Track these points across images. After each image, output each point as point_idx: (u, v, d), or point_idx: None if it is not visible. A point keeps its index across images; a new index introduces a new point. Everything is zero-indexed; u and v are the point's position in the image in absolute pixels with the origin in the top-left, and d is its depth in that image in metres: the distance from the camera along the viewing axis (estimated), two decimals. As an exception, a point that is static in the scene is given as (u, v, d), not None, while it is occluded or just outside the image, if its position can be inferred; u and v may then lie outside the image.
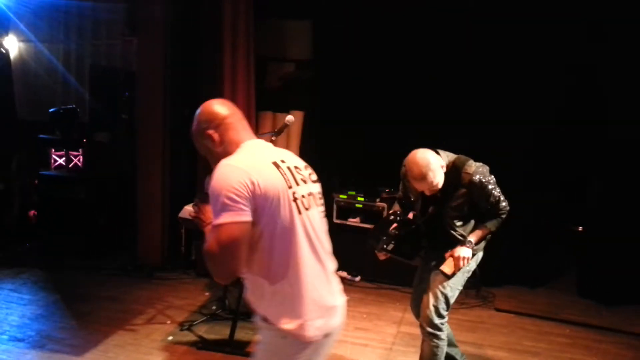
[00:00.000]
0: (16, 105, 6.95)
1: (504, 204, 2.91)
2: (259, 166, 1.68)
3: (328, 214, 5.08)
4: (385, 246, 2.92)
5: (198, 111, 1.86)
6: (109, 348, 3.62)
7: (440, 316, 2.91)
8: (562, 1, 4.59)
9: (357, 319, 4.23)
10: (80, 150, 5.99)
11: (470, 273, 3.02)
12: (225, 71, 4.86)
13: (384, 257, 3.03)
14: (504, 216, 2.94)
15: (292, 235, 1.71)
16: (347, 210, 5.10)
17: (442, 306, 2.90)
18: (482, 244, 3.01)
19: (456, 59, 4.88)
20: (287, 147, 5.73)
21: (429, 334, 2.92)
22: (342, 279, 4.84)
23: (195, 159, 5.13)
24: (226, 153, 1.77)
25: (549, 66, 4.74)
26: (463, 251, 2.89)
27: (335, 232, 5.36)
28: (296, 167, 1.81)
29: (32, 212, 5.85)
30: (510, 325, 4.21)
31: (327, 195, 5.61)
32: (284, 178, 1.71)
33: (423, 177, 2.73)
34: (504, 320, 4.31)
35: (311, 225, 1.77)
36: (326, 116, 5.48)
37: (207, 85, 5.01)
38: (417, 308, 3.09)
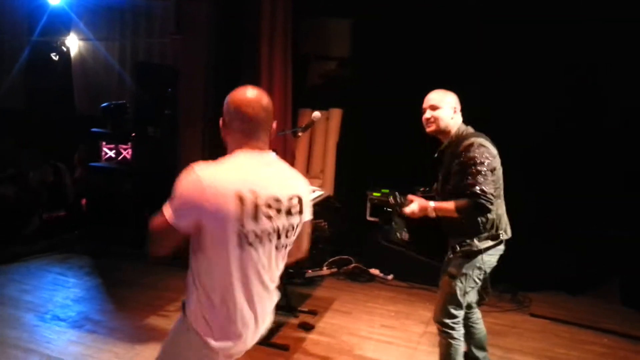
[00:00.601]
0: (75, 101, 7.37)
1: (481, 187, 2.60)
2: (223, 192, 1.71)
3: (361, 212, 5.19)
4: (399, 235, 2.86)
5: (234, 92, 1.89)
6: (141, 331, 3.79)
7: (450, 316, 2.86)
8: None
9: (384, 316, 4.23)
10: (129, 143, 6.28)
11: (481, 272, 2.84)
12: (262, 69, 4.98)
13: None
14: (478, 200, 2.59)
15: (226, 262, 1.77)
16: (380, 208, 5.09)
17: (451, 305, 2.85)
18: (499, 248, 2.86)
19: (494, 59, 4.79)
20: (325, 143, 5.80)
21: (442, 332, 2.90)
22: (375, 277, 4.96)
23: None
24: (231, 149, 1.87)
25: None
26: (415, 205, 2.80)
27: (368, 230, 5.39)
28: (268, 201, 1.78)
29: (83, 201, 6.17)
30: (543, 331, 4.09)
31: (361, 193, 5.68)
32: (237, 212, 1.72)
33: (437, 92, 2.85)
34: (537, 326, 4.18)
35: (251, 260, 1.79)
36: (364, 114, 5.49)
37: (246, 82, 5.11)
38: None
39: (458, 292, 2.83)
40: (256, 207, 1.76)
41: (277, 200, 1.81)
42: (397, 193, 2.99)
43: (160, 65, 6.50)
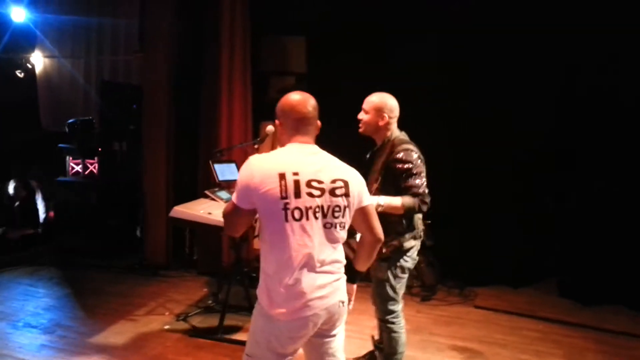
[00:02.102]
0: (40, 117, 7.48)
1: (422, 189, 2.87)
2: (268, 173, 2.02)
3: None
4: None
5: (286, 95, 2.21)
6: (111, 335, 4.01)
7: (389, 312, 3.09)
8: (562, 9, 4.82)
9: (341, 313, 4.53)
10: (95, 158, 6.46)
11: (406, 269, 3.06)
12: (222, 84, 5.25)
13: None
14: (422, 201, 2.87)
15: (277, 237, 2.05)
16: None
17: (388, 303, 3.08)
18: (417, 245, 3.07)
19: (440, 74, 5.17)
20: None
21: (385, 328, 3.15)
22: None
23: (197, 167, 5.53)
24: (280, 141, 2.22)
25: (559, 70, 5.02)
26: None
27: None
28: (310, 181, 2.04)
29: (50, 214, 6.32)
30: (485, 321, 4.45)
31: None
32: (280, 189, 2.00)
33: (373, 97, 3.04)
34: (480, 317, 4.55)
35: (298, 234, 2.03)
36: (323, 126, 5.79)
37: (207, 99, 5.41)
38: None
39: (390, 292, 3.06)
40: (298, 184, 2.02)
41: (320, 182, 2.06)
42: None
43: (124, 82, 6.70)
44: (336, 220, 2.10)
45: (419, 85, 5.02)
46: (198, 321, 4.26)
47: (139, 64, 6.07)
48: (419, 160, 2.99)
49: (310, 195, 2.04)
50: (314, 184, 2.05)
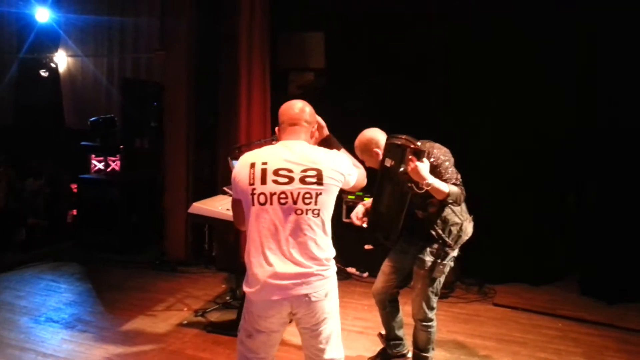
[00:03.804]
0: (64, 115, 7.63)
1: (457, 177, 2.96)
2: (243, 164, 2.32)
3: (337, 214, 5.48)
4: (401, 166, 2.81)
5: (284, 104, 2.45)
6: (129, 330, 4.07)
7: (432, 308, 3.18)
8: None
9: (358, 310, 4.54)
10: (117, 155, 6.57)
11: (449, 262, 3.14)
12: (241, 82, 5.27)
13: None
14: (463, 190, 2.95)
15: (250, 220, 2.29)
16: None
17: (432, 301, 3.16)
18: (458, 239, 3.12)
19: (458, 67, 5.12)
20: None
21: (424, 326, 3.20)
22: (352, 275, 5.27)
23: (217, 164, 5.57)
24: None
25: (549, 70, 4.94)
26: (422, 165, 2.79)
27: (344, 231, 5.73)
28: (278, 170, 2.23)
29: (73, 212, 6.44)
30: (504, 319, 4.40)
31: (337, 196, 5.96)
32: (249, 177, 2.26)
33: (358, 145, 3.15)
34: (499, 314, 4.49)
35: (265, 218, 2.23)
36: (339, 123, 5.79)
37: (225, 96, 5.44)
38: (382, 295, 3.40)
39: (438, 286, 3.17)
40: (264, 172, 2.24)
41: (289, 170, 2.24)
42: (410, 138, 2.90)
43: (146, 80, 6.79)
44: (307, 207, 2.22)
45: (438, 77, 5.08)
46: (216, 317, 4.30)
47: (160, 61, 6.14)
48: (448, 154, 3.03)
49: (276, 182, 2.23)
50: (282, 172, 2.24)
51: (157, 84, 6.23)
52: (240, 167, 2.31)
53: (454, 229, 3.08)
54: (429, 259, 3.10)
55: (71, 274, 5.29)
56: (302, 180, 2.22)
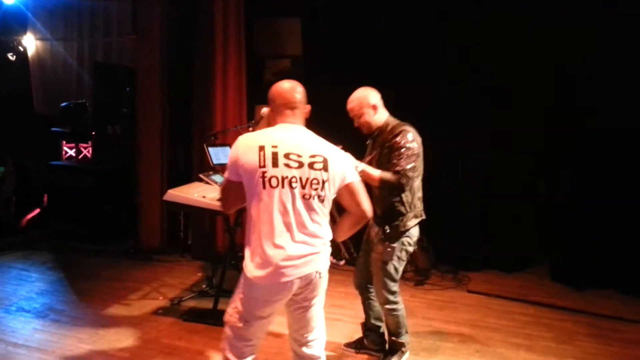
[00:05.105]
0: (34, 100, 7.42)
1: (403, 168, 2.95)
2: (248, 146, 2.24)
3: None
4: None
5: (275, 84, 2.41)
6: (103, 319, 4.02)
7: (392, 292, 3.21)
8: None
9: (335, 297, 4.55)
10: (89, 142, 6.43)
11: (406, 251, 3.19)
12: (216, 67, 5.21)
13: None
14: (400, 180, 2.95)
15: (259, 202, 2.23)
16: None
17: (390, 284, 3.19)
18: (416, 229, 3.21)
19: (436, 57, 5.14)
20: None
21: (388, 310, 3.25)
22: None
23: (191, 150, 5.50)
24: (272, 124, 2.39)
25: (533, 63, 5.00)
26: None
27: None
28: (288, 153, 2.22)
29: (44, 198, 6.29)
30: (478, 305, 4.47)
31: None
32: (259, 158, 2.20)
33: (353, 100, 3.16)
34: (473, 301, 4.57)
35: (275, 201, 2.20)
36: (318, 109, 5.77)
37: (201, 82, 5.36)
38: (360, 286, 3.46)
39: (393, 272, 3.18)
40: (276, 155, 2.21)
41: (299, 155, 2.23)
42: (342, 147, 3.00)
43: (118, 64, 6.64)
44: (314, 192, 2.24)
45: (415, 65, 5.07)
46: (192, 305, 4.27)
47: (132, 46, 6.01)
48: (414, 143, 3.05)
49: (287, 166, 2.21)
50: (293, 156, 2.23)
51: (130, 69, 6.09)
52: (247, 148, 2.23)
53: (397, 219, 3.12)
54: (378, 242, 3.18)
55: (42, 263, 5.19)
56: (311, 166, 2.24)
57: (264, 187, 2.20)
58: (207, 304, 4.18)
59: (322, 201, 2.27)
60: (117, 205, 6.03)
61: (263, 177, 2.19)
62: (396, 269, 3.19)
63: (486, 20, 5.01)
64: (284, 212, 2.21)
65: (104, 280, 4.82)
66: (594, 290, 4.76)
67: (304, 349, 2.43)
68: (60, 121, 6.48)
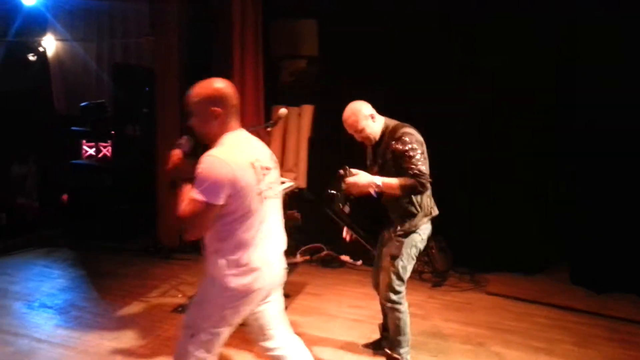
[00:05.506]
0: (54, 100, 7.52)
1: (419, 168, 2.95)
2: (242, 165, 2.18)
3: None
4: (340, 205, 3.06)
5: (206, 84, 2.30)
6: (124, 316, 4.07)
7: (396, 292, 3.17)
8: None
9: (352, 297, 4.57)
10: (108, 141, 6.50)
11: (417, 249, 3.18)
12: (234, 68, 5.25)
13: (349, 238, 3.35)
14: (420, 180, 2.94)
15: (250, 216, 2.23)
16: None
17: (396, 283, 3.15)
18: (428, 226, 3.20)
19: (439, 57, 5.13)
20: (298, 138, 6.09)
21: (390, 309, 3.21)
22: (346, 263, 5.30)
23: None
24: (217, 133, 2.26)
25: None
26: (359, 177, 2.99)
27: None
28: (262, 164, 2.29)
29: (64, 197, 6.37)
30: (496, 307, 4.45)
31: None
32: (256, 177, 2.23)
33: (348, 117, 3.13)
34: (491, 303, 4.54)
35: (265, 212, 2.31)
36: (334, 109, 5.78)
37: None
38: (377, 279, 3.39)
39: (400, 270, 3.15)
40: (259, 170, 2.26)
41: (266, 162, 2.34)
42: (347, 166, 3.11)
43: (136, 65, 6.70)
44: (278, 193, 2.43)
45: (419, 65, 5.10)
46: (210, 304, 4.30)
47: (151, 46, 6.07)
48: (417, 142, 3.06)
49: (264, 175, 2.30)
50: (266, 165, 2.33)
51: (148, 70, 6.15)
52: (242, 167, 2.16)
53: (409, 219, 3.14)
54: (389, 240, 3.20)
55: (64, 260, 5.28)
56: (272, 166, 2.38)
57: (256, 202, 2.24)
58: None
59: (279, 198, 2.45)
60: (136, 204, 6.09)
61: (259, 194, 2.25)
62: (404, 267, 3.16)
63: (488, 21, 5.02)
64: (265, 219, 2.30)
65: (124, 277, 4.89)
66: (615, 294, 4.70)
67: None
68: (81, 121, 6.58)
